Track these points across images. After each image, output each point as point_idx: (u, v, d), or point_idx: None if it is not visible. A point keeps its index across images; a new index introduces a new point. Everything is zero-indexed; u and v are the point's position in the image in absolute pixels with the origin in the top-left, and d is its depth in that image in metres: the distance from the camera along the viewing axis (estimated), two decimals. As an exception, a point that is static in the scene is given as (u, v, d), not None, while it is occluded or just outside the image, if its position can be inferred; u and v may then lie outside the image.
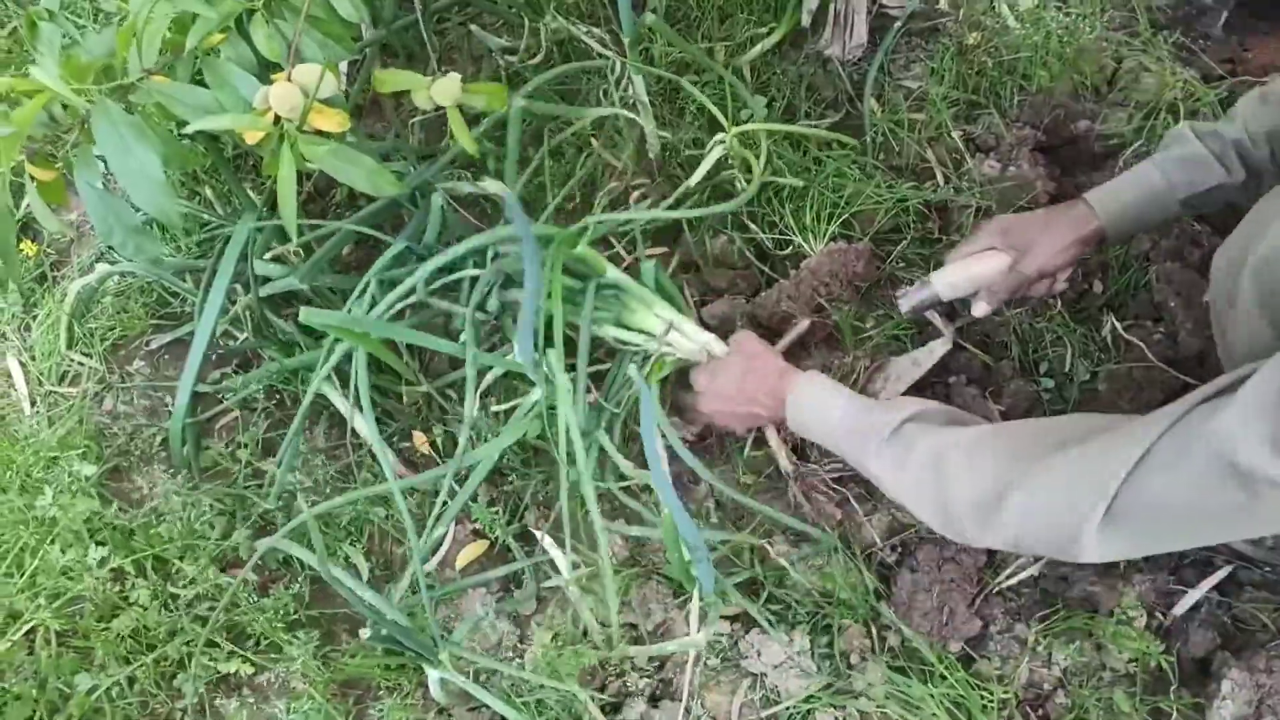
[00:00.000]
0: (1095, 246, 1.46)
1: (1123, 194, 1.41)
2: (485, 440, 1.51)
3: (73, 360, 1.67)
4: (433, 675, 1.32)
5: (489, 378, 1.49)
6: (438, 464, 1.56)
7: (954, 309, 1.62)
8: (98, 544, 1.41)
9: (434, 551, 1.54)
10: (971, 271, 1.47)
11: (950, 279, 1.49)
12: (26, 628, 1.36)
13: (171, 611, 1.39)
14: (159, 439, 1.59)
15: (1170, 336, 1.59)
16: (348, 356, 1.46)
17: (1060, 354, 1.63)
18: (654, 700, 1.45)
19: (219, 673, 1.39)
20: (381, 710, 1.38)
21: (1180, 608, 1.41)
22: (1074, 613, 1.41)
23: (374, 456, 1.56)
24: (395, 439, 1.60)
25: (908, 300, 1.51)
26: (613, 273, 1.52)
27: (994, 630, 1.43)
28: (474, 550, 1.56)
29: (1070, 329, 1.63)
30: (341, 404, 1.54)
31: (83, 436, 1.56)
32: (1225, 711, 1.32)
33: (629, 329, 1.51)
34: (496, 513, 1.55)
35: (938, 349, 1.60)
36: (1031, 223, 1.45)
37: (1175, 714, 1.34)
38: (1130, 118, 1.76)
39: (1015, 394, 1.57)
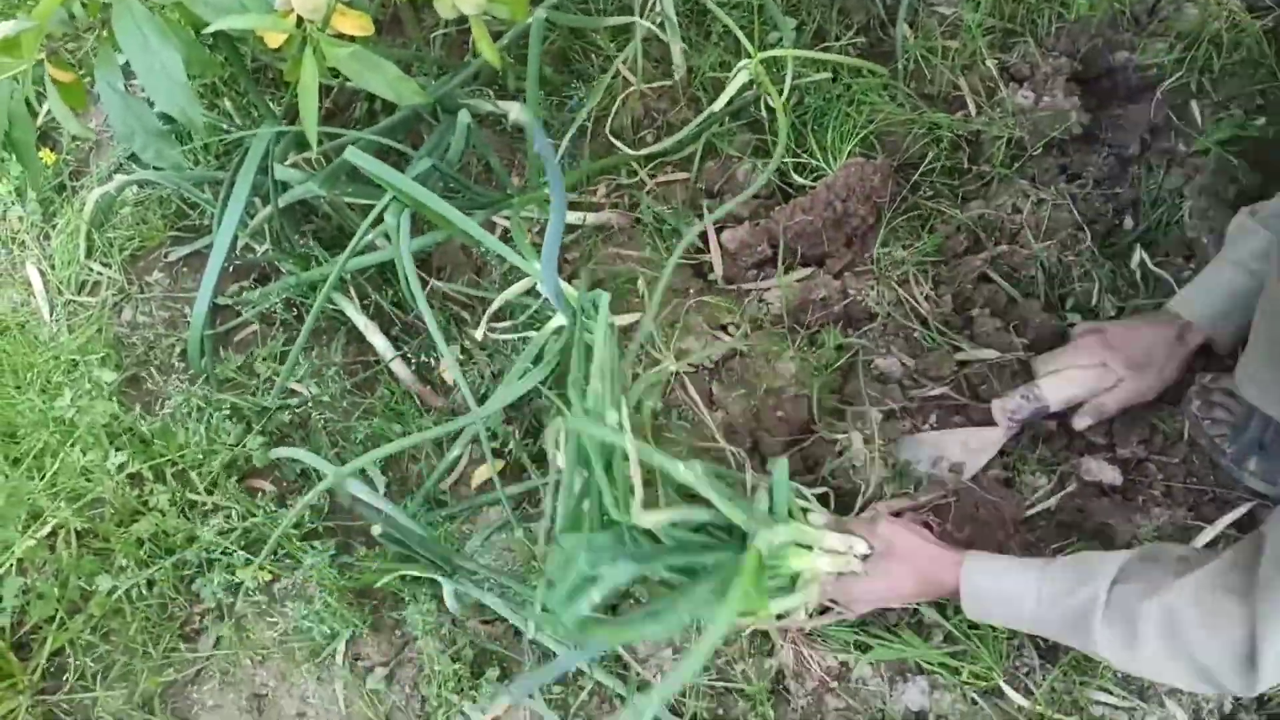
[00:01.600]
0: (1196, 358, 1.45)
1: (1217, 302, 1.40)
2: (502, 358, 1.50)
3: (92, 270, 1.67)
4: (447, 586, 1.33)
5: (499, 301, 1.47)
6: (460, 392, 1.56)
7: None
8: (117, 449, 1.42)
9: (450, 470, 1.55)
10: (1087, 385, 1.43)
11: (1064, 393, 1.43)
12: (48, 527, 1.37)
13: (189, 519, 1.40)
14: (178, 349, 1.60)
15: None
16: (362, 269, 1.46)
17: (1088, 289, 1.60)
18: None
19: (237, 579, 1.40)
20: (396, 617, 1.40)
21: (1197, 542, 1.40)
22: (1089, 545, 1.40)
23: (391, 373, 1.57)
24: (415, 361, 1.59)
25: (1020, 412, 1.44)
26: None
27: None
28: (487, 470, 1.56)
29: (1099, 263, 1.60)
30: (359, 319, 1.53)
31: (102, 345, 1.56)
32: (1238, 644, 1.31)
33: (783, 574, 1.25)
34: (512, 431, 1.55)
35: (991, 439, 1.47)
36: (1143, 340, 1.42)
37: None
38: (1170, 48, 1.71)
39: (1040, 328, 1.56)
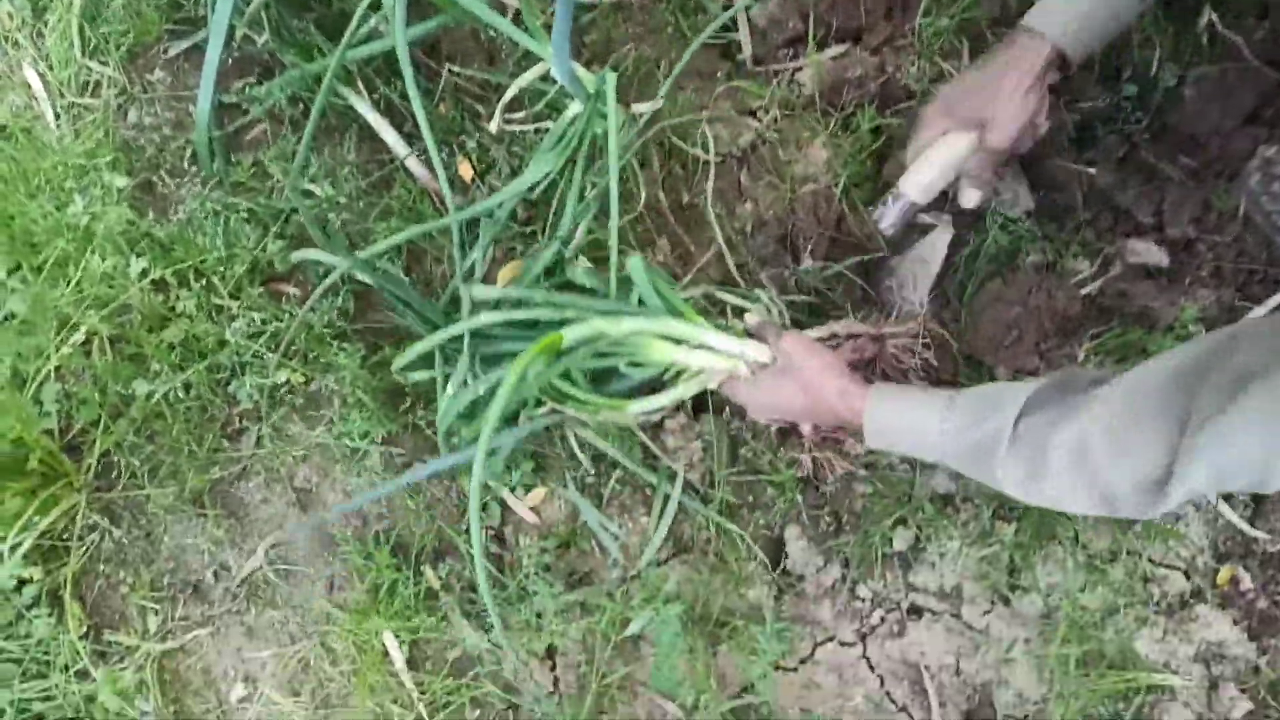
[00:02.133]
0: (1062, 73, 1.24)
1: (1077, 9, 1.19)
2: (519, 153, 1.44)
3: (90, 69, 1.59)
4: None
5: (513, 89, 1.39)
6: (479, 189, 1.51)
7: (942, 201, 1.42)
8: (137, 254, 1.40)
9: (472, 272, 1.52)
10: (938, 162, 1.29)
11: (920, 180, 1.31)
12: (80, 334, 1.38)
13: (217, 323, 1.41)
14: (188, 152, 1.54)
15: (1276, 34, 1.43)
16: (368, 59, 1.37)
17: (1147, 58, 1.48)
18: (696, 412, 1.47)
19: (271, 381, 1.42)
20: (430, 417, 1.42)
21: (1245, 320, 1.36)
22: (1130, 329, 1.37)
23: (407, 171, 1.51)
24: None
25: (886, 219, 1.35)
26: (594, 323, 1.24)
27: (1044, 348, 1.40)
28: (513, 270, 1.53)
29: (1161, 27, 1.47)
30: (370, 115, 1.46)
31: (110, 149, 1.51)
32: None
33: (642, 366, 1.30)
34: (534, 232, 1.51)
35: (940, 240, 1.43)
36: (976, 86, 1.26)
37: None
38: None
39: (1094, 100, 1.45)
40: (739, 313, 1.38)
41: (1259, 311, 1.35)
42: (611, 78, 1.15)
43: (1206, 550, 1.35)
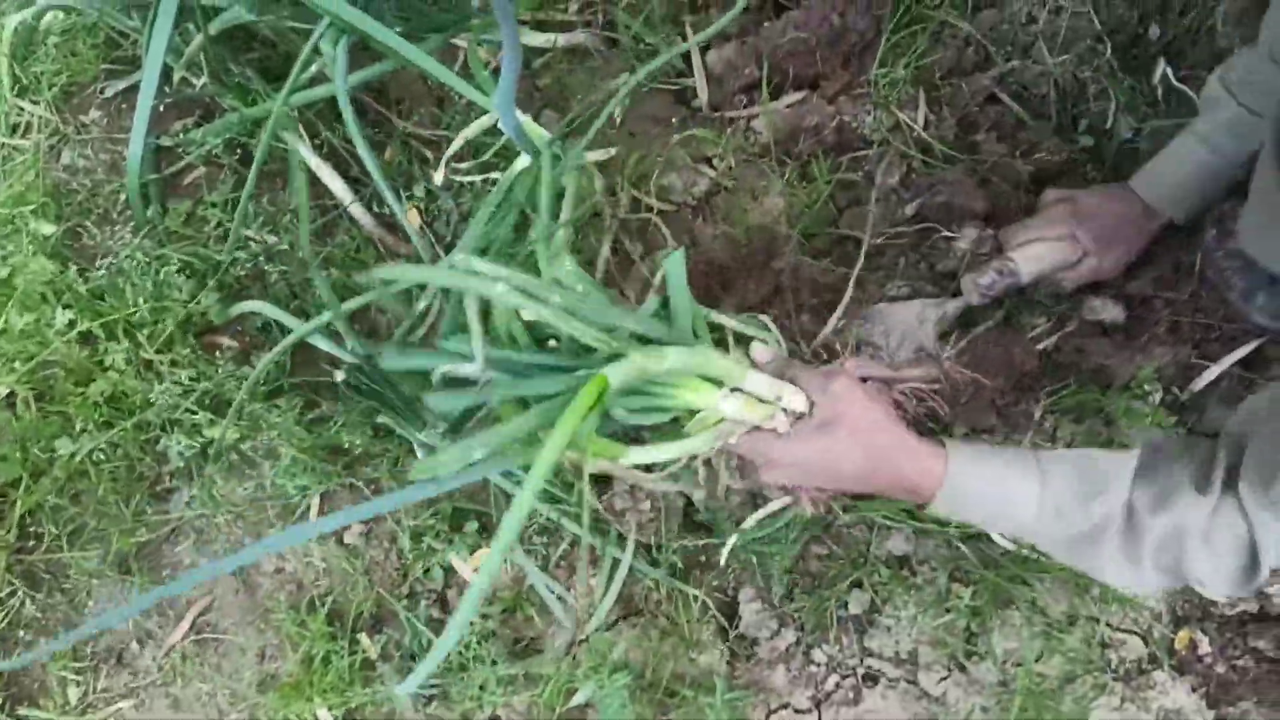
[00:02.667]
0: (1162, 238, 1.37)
1: (1182, 181, 1.31)
2: (467, 201, 1.40)
3: (22, 110, 1.53)
4: (416, 438, 1.28)
5: (458, 141, 1.35)
6: (426, 236, 1.46)
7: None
8: (65, 306, 1.34)
9: (422, 320, 1.47)
10: (1052, 262, 1.33)
11: (1035, 269, 1.33)
12: (2, 390, 1.32)
13: (148, 379, 1.34)
14: (122, 196, 1.49)
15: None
16: (311, 104, 1.32)
17: (1103, 109, 1.47)
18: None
19: (204, 439, 1.36)
20: (370, 474, 1.37)
21: (1200, 382, 1.34)
22: (1085, 388, 1.34)
23: (351, 218, 1.46)
24: (374, 205, 1.48)
25: (991, 288, 1.32)
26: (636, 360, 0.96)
27: (1000, 404, 1.37)
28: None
29: (1117, 79, 1.46)
30: (312, 160, 1.41)
31: (40, 193, 1.45)
32: (1233, 487, 1.28)
33: (668, 410, 1.05)
34: (484, 279, 1.47)
35: (951, 309, 1.36)
36: (1107, 214, 1.33)
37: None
38: None
39: (1051, 151, 1.44)
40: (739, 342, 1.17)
41: (1212, 371, 1.34)
42: (544, 138, 1.11)
43: (1164, 614, 1.33)
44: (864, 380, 1.08)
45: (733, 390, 1.02)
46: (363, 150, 1.12)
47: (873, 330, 1.36)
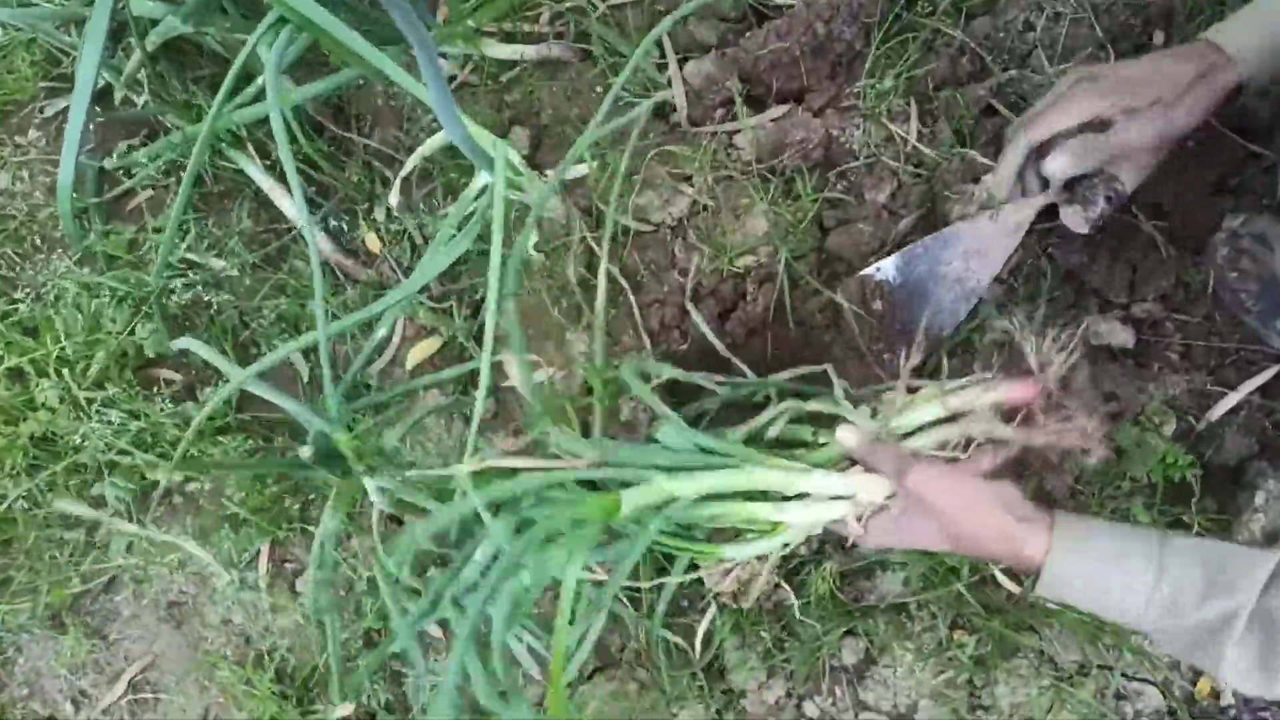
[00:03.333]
0: (1226, 102, 1.09)
1: (1270, 34, 1.06)
2: (425, 224, 1.31)
3: (-44, 130, 1.44)
4: (370, 484, 1.18)
5: (414, 159, 1.26)
6: (386, 261, 1.37)
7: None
8: (-10, 341, 1.25)
9: (379, 351, 1.38)
10: (1094, 157, 1.12)
11: (1131, 173, 1.13)
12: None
13: (81, 419, 1.25)
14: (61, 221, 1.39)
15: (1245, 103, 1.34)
16: (260, 122, 1.23)
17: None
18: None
19: (144, 482, 1.26)
20: (317, 513, 1.27)
21: (1216, 411, 1.25)
22: (1095, 417, 1.25)
23: (306, 242, 1.37)
24: (334, 228, 1.39)
25: (1099, 217, 1.15)
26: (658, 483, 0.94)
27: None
28: (426, 348, 1.39)
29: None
30: (263, 180, 1.32)
31: (-28, 219, 1.36)
32: (1256, 525, 1.18)
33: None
34: (450, 307, 1.38)
35: (1028, 209, 1.19)
36: (1146, 78, 1.09)
37: (1196, 527, 1.21)
38: None
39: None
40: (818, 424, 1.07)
41: (1231, 399, 1.24)
42: (502, 146, 1.02)
43: (1183, 664, 1.23)
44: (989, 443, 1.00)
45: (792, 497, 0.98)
46: (288, 167, 1.02)
47: (952, 255, 1.23)
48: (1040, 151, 1.16)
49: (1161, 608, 0.89)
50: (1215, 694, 1.24)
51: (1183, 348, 1.30)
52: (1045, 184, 1.19)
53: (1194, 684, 1.24)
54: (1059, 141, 1.13)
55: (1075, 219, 1.17)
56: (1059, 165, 1.13)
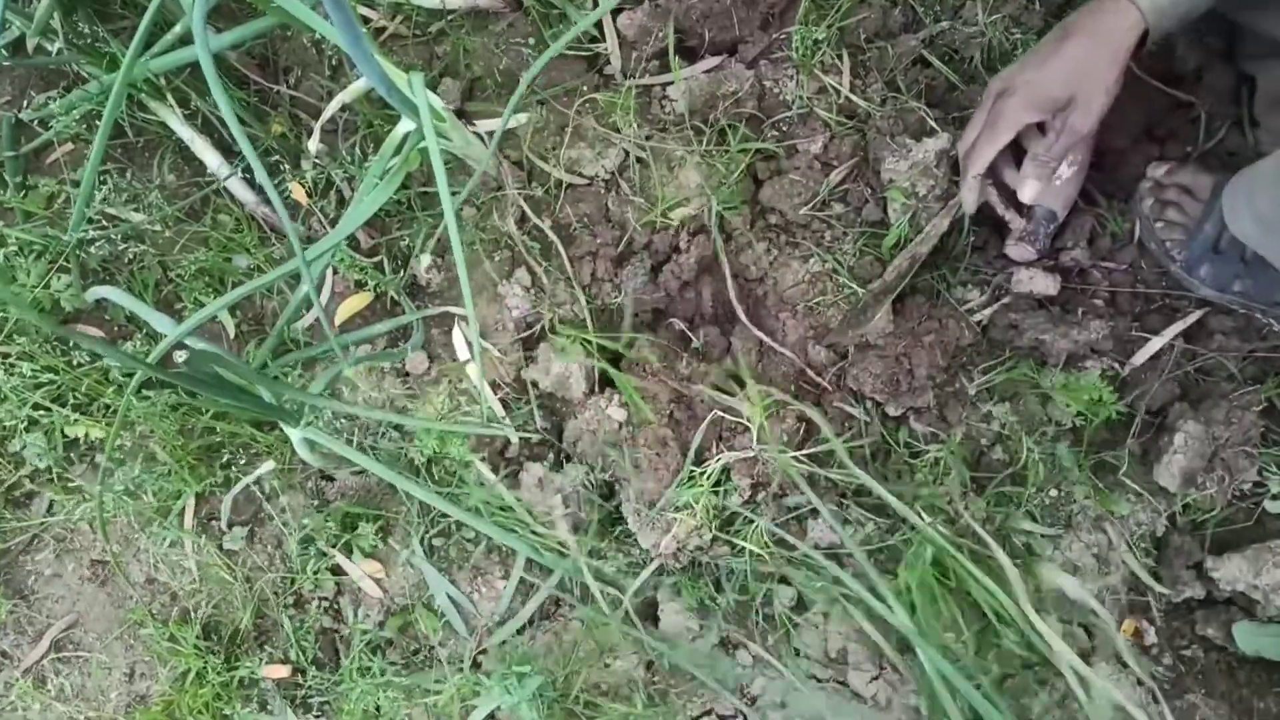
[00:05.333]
0: (1137, 55, 1.11)
1: None
2: (352, 175, 1.28)
3: None
4: (294, 435, 1.17)
5: (333, 106, 1.23)
6: (314, 214, 1.34)
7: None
8: (-100, 295, 1.21)
9: (307, 307, 1.36)
10: (1039, 171, 1.21)
11: (1052, 197, 1.24)
12: None
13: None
14: (-24, 176, 1.35)
15: (1168, 50, 1.35)
16: (179, 70, 1.20)
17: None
18: (557, 464, 1.32)
19: (65, 437, 1.23)
20: (243, 471, 1.25)
21: (1141, 356, 1.26)
22: (1021, 363, 1.26)
23: (230, 195, 1.34)
24: (257, 181, 1.36)
25: (1039, 241, 1.25)
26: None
27: (935, 381, 1.29)
28: (356, 303, 1.37)
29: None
30: (183, 131, 1.29)
31: (-118, 172, 1.32)
32: (1175, 466, 1.20)
33: None
34: (379, 262, 1.36)
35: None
36: (1061, 66, 1.12)
37: (1125, 467, 1.22)
38: None
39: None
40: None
41: (1154, 344, 1.26)
42: (418, 80, 1.00)
43: (1108, 601, 1.25)
44: None
45: None
46: (226, 111, 0.99)
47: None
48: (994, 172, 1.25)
49: None
50: (1139, 634, 1.26)
51: (1108, 295, 1.31)
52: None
53: (1119, 626, 1.26)
54: (1021, 175, 1.22)
55: (1023, 252, 1.27)
56: (1030, 194, 1.22)
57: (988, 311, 1.31)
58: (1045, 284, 1.28)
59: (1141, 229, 1.31)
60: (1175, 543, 1.25)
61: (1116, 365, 1.26)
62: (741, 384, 1.24)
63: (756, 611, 1.27)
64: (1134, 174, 1.33)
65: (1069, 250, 1.31)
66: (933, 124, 1.32)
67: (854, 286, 1.31)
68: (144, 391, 1.23)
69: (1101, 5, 1.10)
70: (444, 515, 1.26)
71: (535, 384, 1.32)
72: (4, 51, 1.22)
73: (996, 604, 1.23)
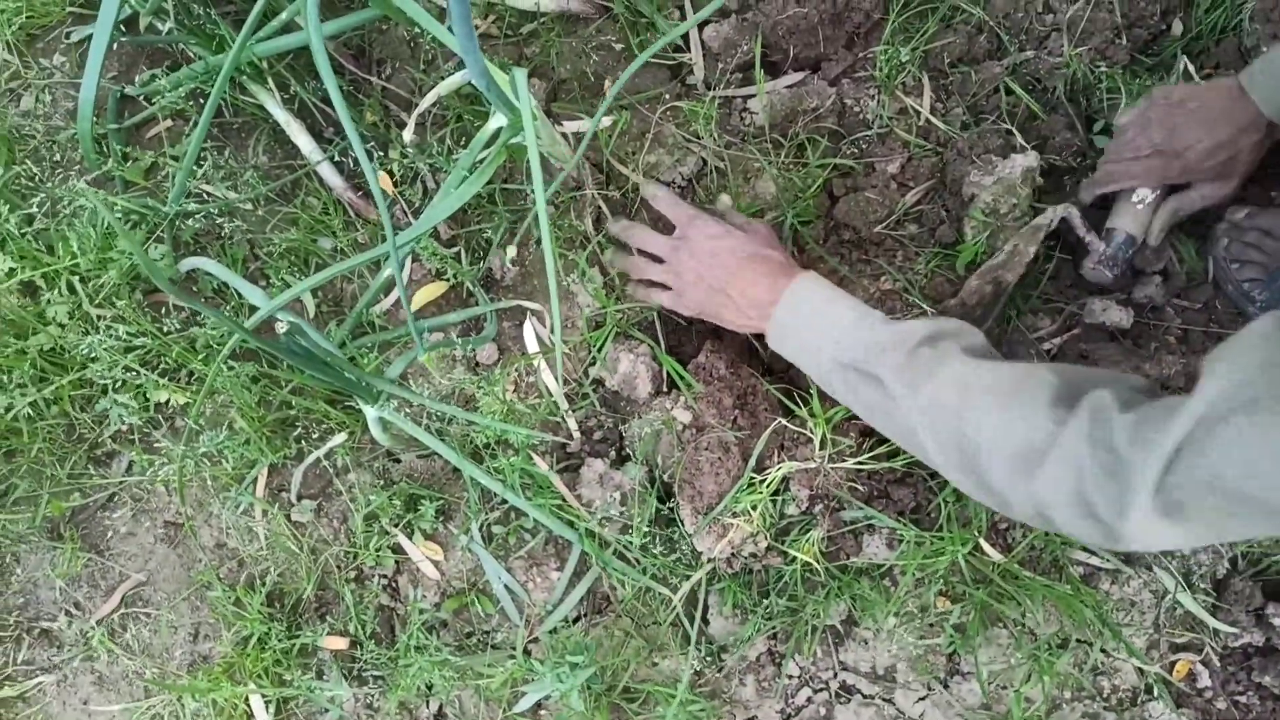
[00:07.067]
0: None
1: None
2: (440, 166, 1.32)
3: (-19, 50, 1.46)
4: (370, 413, 1.20)
5: (430, 97, 1.27)
6: (398, 203, 1.38)
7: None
8: (5, 253, 1.26)
9: (386, 292, 1.39)
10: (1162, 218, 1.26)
11: (1142, 221, 1.26)
12: (-68, 340, 1.24)
13: (92, 334, 1.26)
14: (80, 144, 1.41)
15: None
16: (281, 56, 1.24)
17: (1117, 104, 1.39)
18: (618, 461, 1.34)
19: (148, 401, 1.28)
20: (315, 446, 1.28)
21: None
22: (1089, 394, 1.26)
23: (319, 178, 1.39)
24: (348, 167, 1.40)
25: (1108, 266, 1.26)
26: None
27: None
28: (432, 291, 1.41)
29: (1137, 75, 1.38)
30: (280, 114, 1.34)
31: (-7, 135, 1.38)
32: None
33: None
34: (458, 253, 1.39)
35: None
36: (1199, 143, 1.18)
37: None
38: None
39: (1062, 148, 1.36)
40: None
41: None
42: (521, 75, 1.03)
43: (1162, 642, 1.24)
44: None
45: None
46: (335, 96, 1.03)
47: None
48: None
49: (862, 334, 1.03)
50: (1192, 676, 1.25)
51: (1181, 332, 1.31)
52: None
53: (1170, 669, 1.25)
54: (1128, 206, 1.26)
55: (1100, 275, 1.27)
56: (1118, 220, 1.26)
57: (1058, 340, 1.31)
58: (1119, 316, 1.28)
59: (1216, 270, 1.30)
60: (1236, 586, 1.24)
61: (1185, 402, 1.26)
62: (806, 396, 1.26)
63: (805, 623, 1.27)
64: (1213, 214, 1.33)
65: (1144, 284, 1.31)
66: (1021, 141, 1.33)
67: (924, 306, 1.32)
68: (230, 362, 1.27)
69: (1241, 104, 1.16)
70: (503, 502, 1.28)
71: (602, 382, 1.34)
72: (121, 29, 1.27)
73: (1050, 632, 1.23)
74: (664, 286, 1.25)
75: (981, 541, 1.23)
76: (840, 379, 1.04)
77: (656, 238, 1.25)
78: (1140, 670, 1.23)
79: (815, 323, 1.07)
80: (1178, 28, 1.42)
